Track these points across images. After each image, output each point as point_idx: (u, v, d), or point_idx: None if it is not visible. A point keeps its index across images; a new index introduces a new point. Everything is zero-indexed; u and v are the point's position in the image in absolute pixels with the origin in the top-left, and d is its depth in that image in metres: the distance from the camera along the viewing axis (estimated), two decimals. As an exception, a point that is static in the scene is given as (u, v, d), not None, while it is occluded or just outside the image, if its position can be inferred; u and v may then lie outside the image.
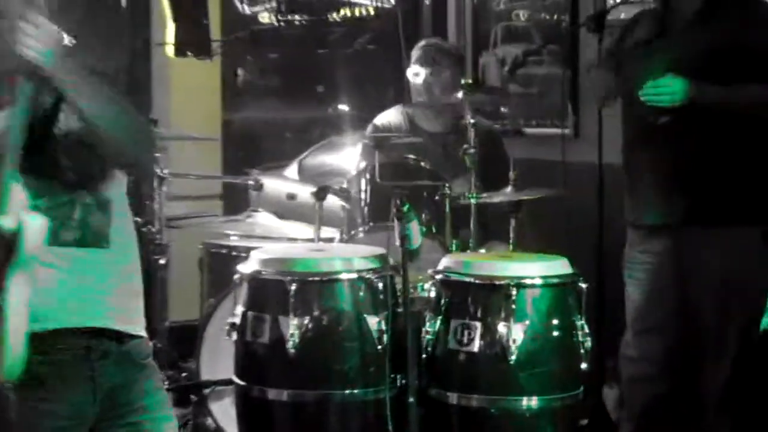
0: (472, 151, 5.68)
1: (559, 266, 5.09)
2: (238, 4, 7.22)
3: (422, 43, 6.70)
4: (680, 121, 5.13)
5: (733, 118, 5.08)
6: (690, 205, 5.20)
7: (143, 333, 3.42)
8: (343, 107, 8.40)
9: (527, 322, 4.92)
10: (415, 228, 4.19)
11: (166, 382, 5.53)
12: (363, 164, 5.97)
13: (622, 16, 6.01)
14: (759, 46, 5.03)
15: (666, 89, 5.07)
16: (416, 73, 6.43)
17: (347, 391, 4.97)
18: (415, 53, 6.55)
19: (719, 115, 5.08)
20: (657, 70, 5.09)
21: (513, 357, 4.85)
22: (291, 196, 7.02)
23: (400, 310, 4.97)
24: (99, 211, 3.28)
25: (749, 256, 5.19)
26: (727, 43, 5.04)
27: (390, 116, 6.71)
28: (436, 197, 5.69)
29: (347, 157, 6.77)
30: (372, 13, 7.29)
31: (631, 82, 5.27)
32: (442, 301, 4.99)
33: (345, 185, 5.88)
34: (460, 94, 5.91)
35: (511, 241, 5.72)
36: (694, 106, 5.04)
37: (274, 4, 6.96)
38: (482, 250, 5.79)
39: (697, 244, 5.20)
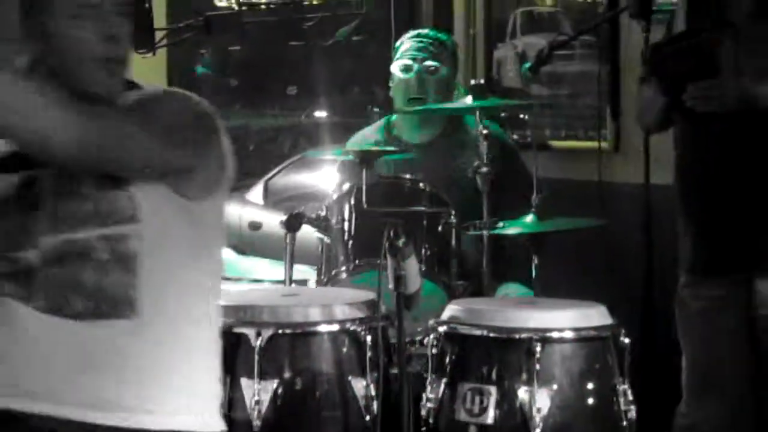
0: (484, 170, 5.66)
1: (594, 315, 5.07)
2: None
3: (414, 32, 6.68)
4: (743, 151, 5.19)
5: None
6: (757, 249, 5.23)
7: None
8: (321, 113, 8.36)
9: (555, 387, 4.91)
10: (412, 267, 4.15)
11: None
12: (346, 186, 5.89)
13: (675, 4, 5.94)
14: None
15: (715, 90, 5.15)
16: (406, 67, 6.40)
17: None
18: (406, 44, 6.54)
19: None
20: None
21: (537, 430, 4.83)
22: (255, 226, 7.03)
23: (393, 371, 4.91)
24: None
25: None
26: None
27: (367, 132, 6.71)
28: (439, 228, 5.68)
29: (325, 176, 6.72)
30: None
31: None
32: (447, 360, 4.98)
33: (323, 212, 5.83)
34: (468, 99, 5.87)
35: (533, 283, 5.68)
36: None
37: None
38: (498, 295, 5.74)
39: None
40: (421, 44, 6.49)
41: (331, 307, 4.94)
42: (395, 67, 6.56)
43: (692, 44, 5.51)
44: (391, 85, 6.57)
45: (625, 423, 4.96)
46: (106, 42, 3.33)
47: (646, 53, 5.89)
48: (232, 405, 4.89)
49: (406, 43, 6.57)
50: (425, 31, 6.84)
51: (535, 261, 5.58)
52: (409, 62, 6.44)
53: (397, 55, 6.54)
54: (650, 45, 6.12)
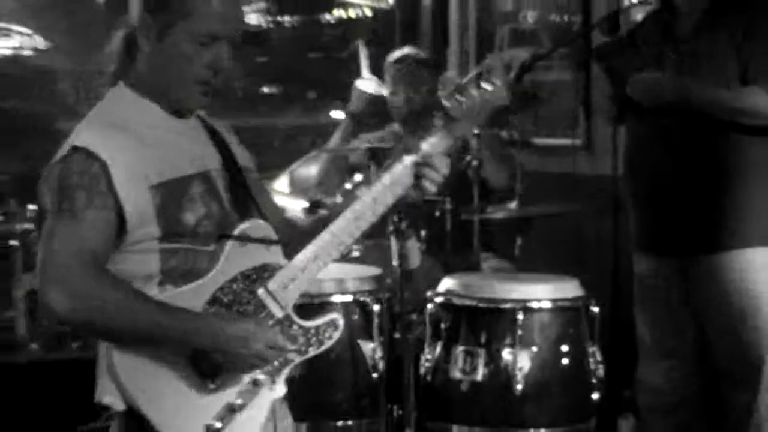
0: (474, 163, 5.69)
1: (569, 288, 5.13)
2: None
3: (397, 56, 6.64)
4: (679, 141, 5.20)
5: (738, 137, 5.12)
6: (702, 225, 5.22)
7: None
8: (337, 114, 8.42)
9: (535, 349, 4.96)
10: (413, 246, 4.15)
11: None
12: (358, 176, 5.91)
13: (639, 17, 5.99)
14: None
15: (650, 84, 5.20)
16: (394, 93, 6.42)
17: (339, 423, 5.04)
18: (391, 69, 6.53)
19: (722, 134, 5.13)
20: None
21: (519, 387, 4.88)
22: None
23: (397, 335, 4.96)
24: None
25: (760, 276, 5.18)
26: (734, 45, 5.09)
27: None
28: (436, 212, 5.72)
29: (340, 168, 6.75)
30: (368, 14, 7.26)
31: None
32: (443, 326, 5.02)
33: (339, 200, 5.83)
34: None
35: (517, 259, 5.68)
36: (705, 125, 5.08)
37: (262, 5, 6.95)
38: (485, 270, 5.76)
39: (715, 268, 5.20)
40: (406, 69, 6.49)
41: (344, 281, 5.00)
42: (379, 89, 6.63)
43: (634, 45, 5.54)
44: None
45: (594, 380, 5.02)
46: (210, 68, 3.25)
47: (606, 28, 5.91)
48: None
49: (391, 68, 6.57)
50: (409, 52, 6.76)
51: (519, 241, 5.60)
52: (396, 88, 6.47)
53: (386, 80, 6.58)
54: (597, 45, 6.18)
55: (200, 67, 3.25)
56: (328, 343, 3.45)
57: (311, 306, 4.82)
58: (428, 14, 7.70)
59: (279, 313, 3.30)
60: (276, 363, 3.32)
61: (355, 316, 5.04)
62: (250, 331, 3.23)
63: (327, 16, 7.25)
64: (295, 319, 3.37)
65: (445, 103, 3.50)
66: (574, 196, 6.16)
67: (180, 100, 3.30)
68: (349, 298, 5.01)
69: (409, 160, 3.41)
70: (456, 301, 5.05)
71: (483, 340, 4.98)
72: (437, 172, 3.44)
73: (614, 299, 5.37)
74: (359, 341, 4.99)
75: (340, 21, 7.65)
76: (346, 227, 3.38)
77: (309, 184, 6.96)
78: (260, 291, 3.28)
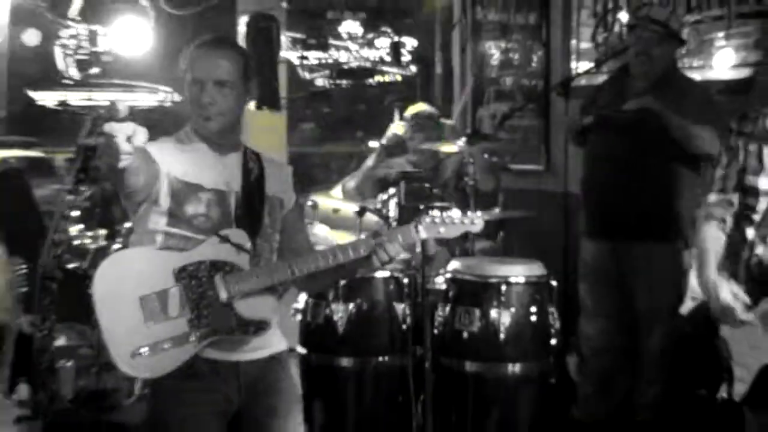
0: (471, 183, 5.69)
1: (535, 268, 5.11)
2: (300, 72, 7.23)
3: (412, 112, 6.56)
4: (625, 154, 5.14)
5: (663, 157, 5.07)
6: (629, 218, 5.19)
7: None
8: (373, 144, 8.46)
9: (512, 310, 4.96)
10: (431, 239, 4.26)
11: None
12: (392, 190, 5.95)
13: (583, 82, 5.99)
14: (688, 110, 5.01)
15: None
16: (412, 138, 6.35)
17: (380, 359, 5.03)
18: (410, 121, 6.45)
19: (653, 154, 5.07)
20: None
21: (502, 335, 4.90)
22: (335, 210, 7.03)
23: (419, 300, 4.98)
24: None
25: (668, 264, 5.15)
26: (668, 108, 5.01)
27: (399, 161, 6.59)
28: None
29: (377, 182, 6.74)
30: (398, 79, 7.30)
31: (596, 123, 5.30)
32: (451, 294, 5.03)
33: (379, 206, 5.89)
34: (461, 141, 5.95)
35: (500, 247, 5.70)
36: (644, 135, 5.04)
37: (327, 72, 6.98)
38: (478, 255, 5.79)
39: (634, 255, 5.21)
40: (421, 122, 6.47)
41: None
42: (403, 133, 6.59)
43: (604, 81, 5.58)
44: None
45: (552, 331, 5.03)
46: (206, 103, 3.14)
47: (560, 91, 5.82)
48: (325, 319, 5.02)
49: (411, 120, 6.52)
50: (425, 110, 6.72)
51: (501, 234, 5.65)
52: (414, 134, 6.45)
53: (407, 126, 6.51)
54: (559, 81, 6.11)
55: (197, 105, 3.16)
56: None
57: (359, 280, 4.94)
58: (439, 79, 7.66)
59: (224, 296, 3.17)
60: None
61: (392, 286, 5.05)
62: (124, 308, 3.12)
63: (370, 80, 7.26)
64: (234, 307, 3.18)
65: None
66: (538, 204, 6.13)
67: (196, 129, 3.24)
68: (387, 274, 5.00)
69: (370, 239, 3.31)
70: (459, 276, 5.05)
71: (477, 303, 4.97)
72: (386, 254, 3.26)
73: (565, 276, 5.38)
74: (394, 303, 5.04)
75: (380, 83, 7.66)
76: (303, 265, 3.24)
77: (353, 192, 6.98)
78: (217, 276, 3.16)
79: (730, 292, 3.34)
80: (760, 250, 3.25)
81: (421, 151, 6.24)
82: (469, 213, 3.44)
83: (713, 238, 3.44)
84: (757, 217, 3.28)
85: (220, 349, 3.20)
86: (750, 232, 3.27)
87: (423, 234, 3.36)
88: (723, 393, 3.34)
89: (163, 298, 3.14)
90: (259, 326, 3.24)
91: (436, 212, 3.42)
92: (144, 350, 3.10)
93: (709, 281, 3.41)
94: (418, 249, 4.54)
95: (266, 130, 7.79)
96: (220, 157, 3.27)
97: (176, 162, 3.19)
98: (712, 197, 3.48)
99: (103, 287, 3.13)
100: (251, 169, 3.31)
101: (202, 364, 3.19)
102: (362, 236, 3.47)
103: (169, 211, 3.18)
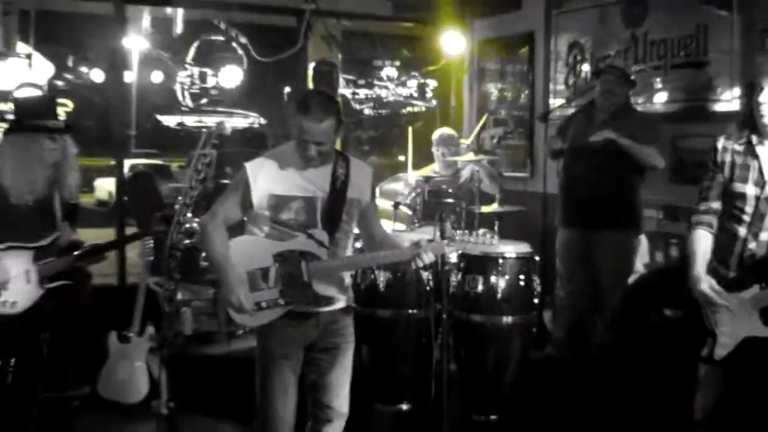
0: (478, 185, 5.62)
1: (524, 247, 5.05)
2: (352, 104, 7.25)
3: (442, 135, 6.30)
4: (590, 166, 5.10)
5: (619, 168, 5.02)
6: (595, 212, 5.15)
7: None
8: (403, 158, 8.44)
9: (507, 277, 4.90)
10: (448, 225, 4.26)
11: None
12: (418, 190, 5.92)
13: (557, 114, 5.89)
14: (638, 135, 4.97)
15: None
16: (442, 154, 6.17)
17: (410, 311, 4.96)
18: (440, 140, 6.23)
19: (612, 166, 5.02)
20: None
21: (499, 295, 4.86)
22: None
23: (439, 269, 4.70)
24: None
25: (621, 245, 5.13)
26: (622, 132, 4.97)
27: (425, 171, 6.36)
28: (458, 209, 5.57)
29: (407, 184, 6.69)
30: (423, 110, 7.29)
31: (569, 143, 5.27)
32: (462, 265, 4.96)
33: (409, 201, 5.87)
34: (471, 154, 5.90)
35: (498, 233, 5.68)
36: (606, 156, 4.98)
37: (371, 104, 6.98)
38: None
39: (599, 237, 5.16)
40: (445, 140, 6.16)
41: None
42: (435, 152, 6.22)
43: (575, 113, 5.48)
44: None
45: (535, 292, 4.96)
46: (309, 159, 3.15)
47: (541, 119, 5.79)
48: (372, 281, 4.92)
49: (440, 140, 6.19)
50: (446, 133, 6.32)
51: (497, 223, 5.61)
52: (443, 149, 6.14)
53: (436, 143, 6.22)
54: (541, 112, 6.06)
55: (304, 155, 3.14)
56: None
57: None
58: (453, 110, 7.58)
59: (305, 278, 3.18)
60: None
61: (434, 256, 4.97)
62: (233, 287, 3.15)
63: (403, 111, 7.27)
64: (312, 286, 3.19)
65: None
66: (525, 201, 6.01)
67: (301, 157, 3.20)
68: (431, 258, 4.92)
69: (412, 247, 3.28)
70: (468, 252, 4.92)
71: (481, 272, 4.90)
72: (423, 261, 3.26)
73: (544, 253, 5.36)
74: (421, 272, 4.93)
75: (410, 113, 7.66)
76: (363, 261, 3.39)
77: (391, 192, 6.93)
78: (302, 262, 3.17)
79: (708, 285, 3.27)
80: (752, 245, 3.17)
81: (444, 162, 6.12)
82: (487, 235, 3.38)
83: (700, 240, 3.34)
84: (747, 218, 3.17)
85: (311, 304, 3.27)
86: (742, 231, 3.16)
87: (449, 249, 3.35)
88: (705, 352, 3.25)
89: (265, 273, 3.19)
90: (329, 302, 3.28)
91: (462, 233, 3.34)
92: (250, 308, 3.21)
93: (693, 276, 3.32)
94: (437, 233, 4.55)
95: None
96: (314, 170, 3.23)
97: (274, 182, 3.20)
98: (701, 206, 3.38)
99: None
100: (338, 176, 3.24)
101: (294, 314, 3.24)
102: (406, 243, 3.42)
103: (270, 216, 3.21)
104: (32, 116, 4.02)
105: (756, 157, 3.14)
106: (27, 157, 3.93)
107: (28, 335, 4.13)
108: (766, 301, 3.05)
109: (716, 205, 3.33)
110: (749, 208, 3.13)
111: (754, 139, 3.18)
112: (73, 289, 4.26)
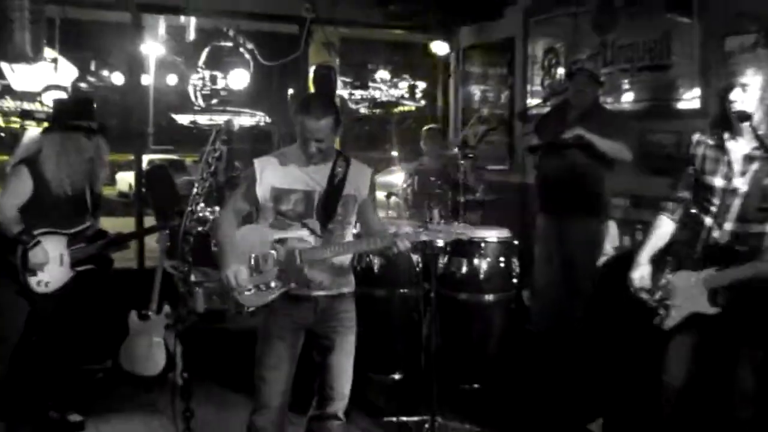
0: (462, 176, 5.58)
1: (504, 232, 5.07)
2: (349, 104, 7.22)
3: (430, 130, 6.39)
4: (563, 159, 5.09)
5: (589, 161, 5.01)
6: (568, 201, 5.14)
7: None
8: (395, 153, 8.35)
9: (489, 259, 4.95)
10: (436, 213, 4.24)
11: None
12: (408, 181, 5.92)
13: (534, 112, 5.90)
14: (607, 131, 4.97)
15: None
16: (430, 149, 6.17)
17: (402, 290, 4.98)
18: (424, 134, 6.25)
19: (582, 160, 5.02)
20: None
21: (482, 276, 4.90)
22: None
23: (427, 252, 4.79)
24: None
25: (592, 230, 5.13)
26: (592, 129, 4.97)
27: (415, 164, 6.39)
28: (444, 199, 5.55)
29: (399, 176, 6.72)
30: (413, 109, 7.28)
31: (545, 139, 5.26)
32: (448, 248, 4.95)
33: (401, 191, 5.88)
34: (455, 150, 5.90)
35: (480, 218, 5.68)
36: (577, 146, 4.98)
37: (367, 104, 6.97)
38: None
39: (571, 223, 5.16)
40: (433, 135, 6.26)
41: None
42: (423, 144, 6.31)
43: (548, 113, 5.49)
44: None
45: (514, 273, 5.01)
46: (309, 155, 3.15)
47: (520, 117, 5.80)
48: (368, 265, 4.95)
49: (427, 134, 6.30)
50: (434, 128, 6.52)
51: (481, 210, 5.62)
52: (430, 144, 6.23)
53: (424, 139, 6.27)
54: (519, 111, 6.05)
55: (305, 150, 3.16)
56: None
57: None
58: (440, 109, 7.56)
59: (298, 262, 3.16)
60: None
61: (409, 244, 5.01)
62: (226, 265, 3.15)
63: (395, 110, 7.25)
64: (304, 270, 3.17)
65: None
66: (505, 191, 6.09)
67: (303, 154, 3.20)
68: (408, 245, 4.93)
69: (393, 237, 3.20)
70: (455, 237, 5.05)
71: (465, 254, 4.94)
72: (398, 248, 3.17)
73: (522, 237, 5.33)
74: (411, 254, 4.90)
75: (401, 112, 7.65)
76: (348, 248, 3.23)
77: (386, 184, 6.94)
78: (296, 249, 3.15)
79: (639, 275, 3.29)
80: (716, 234, 3.12)
81: (433, 156, 6.12)
82: (454, 224, 3.33)
83: (658, 227, 3.32)
84: (713, 209, 3.12)
85: (305, 289, 3.23)
86: (708, 220, 3.10)
87: (424, 237, 3.27)
88: (656, 321, 3.25)
89: (265, 257, 3.18)
90: (322, 286, 3.25)
91: (436, 225, 3.29)
92: (251, 290, 3.19)
93: (635, 261, 3.33)
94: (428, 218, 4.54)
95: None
96: (315, 167, 3.23)
97: (276, 176, 3.22)
98: (670, 194, 3.35)
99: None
100: (337, 173, 3.23)
101: (292, 297, 3.23)
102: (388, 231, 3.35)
103: (272, 206, 3.22)
104: (70, 117, 4.05)
105: (726, 152, 3.11)
106: (65, 152, 3.95)
107: (58, 313, 4.13)
108: (715, 282, 3.04)
109: (683, 194, 3.30)
110: (716, 200, 3.09)
111: (726, 135, 3.16)
112: (97, 272, 4.27)
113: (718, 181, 3.10)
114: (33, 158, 3.96)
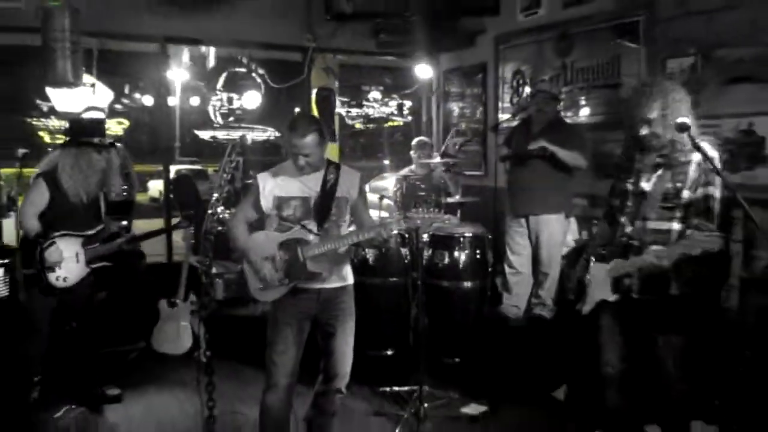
0: (444, 182, 5.62)
1: (480, 229, 5.08)
2: (346, 119, 7.19)
3: (419, 141, 6.29)
4: (530, 167, 5.07)
5: (551, 169, 5.00)
6: (534, 202, 5.12)
7: None
8: (386, 161, 8.35)
9: (467, 251, 4.95)
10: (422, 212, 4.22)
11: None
12: (397, 186, 5.88)
13: (504, 125, 5.85)
14: (566, 141, 4.95)
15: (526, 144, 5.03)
16: (419, 156, 6.11)
17: (392, 279, 5.00)
18: (417, 146, 6.20)
19: (545, 167, 5.00)
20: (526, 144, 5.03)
21: (461, 266, 4.91)
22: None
23: (414, 246, 4.89)
24: None
25: (556, 226, 5.10)
26: (553, 140, 4.96)
27: (404, 171, 6.29)
28: (428, 200, 5.39)
29: (390, 181, 6.69)
30: (401, 124, 7.25)
31: (514, 150, 5.24)
32: (431, 243, 4.97)
33: (391, 194, 5.86)
34: (437, 159, 5.89)
35: (459, 217, 5.66)
36: (541, 156, 4.95)
37: (362, 120, 6.92)
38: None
39: (538, 221, 5.14)
40: (422, 146, 6.13)
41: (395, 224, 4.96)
42: (413, 155, 6.14)
43: (516, 126, 5.44)
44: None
45: (489, 262, 5.02)
46: (300, 168, 3.16)
47: (492, 130, 5.74)
48: (363, 257, 4.98)
49: (417, 145, 6.16)
50: (424, 140, 6.36)
51: (459, 211, 5.59)
52: (419, 153, 6.09)
53: (415, 148, 6.15)
54: (492, 124, 5.99)
55: (296, 163, 3.16)
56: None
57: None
58: (424, 124, 7.51)
59: (300, 259, 3.14)
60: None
61: (399, 239, 4.96)
62: (260, 267, 3.13)
63: (385, 125, 7.20)
64: (306, 264, 3.14)
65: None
66: (480, 194, 6.06)
67: (295, 167, 3.18)
68: (396, 232, 4.86)
69: (377, 227, 3.17)
70: (437, 233, 4.98)
71: (447, 248, 4.94)
72: (384, 236, 3.13)
73: (494, 233, 5.40)
74: (400, 248, 4.97)
75: (391, 126, 7.59)
76: (343, 241, 3.17)
77: (378, 188, 6.92)
78: (299, 247, 3.14)
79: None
80: (628, 229, 3.08)
81: (420, 164, 6.08)
82: (435, 213, 3.22)
83: (600, 232, 3.26)
84: (627, 210, 3.08)
85: (310, 282, 3.20)
86: (623, 219, 3.06)
87: (404, 224, 3.20)
88: (577, 307, 3.21)
89: (272, 258, 3.16)
90: (324, 279, 3.21)
91: (417, 213, 3.18)
92: (261, 287, 3.19)
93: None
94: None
95: (328, 152, 7.67)
96: (308, 176, 3.22)
97: (277, 186, 3.21)
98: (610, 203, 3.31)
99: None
100: (329, 180, 3.21)
101: (299, 289, 3.20)
102: (381, 218, 3.35)
103: (276, 213, 3.20)
104: (82, 134, 4.02)
105: (633, 160, 3.09)
106: (79, 165, 3.93)
107: (81, 303, 4.11)
108: (615, 272, 2.98)
109: (613, 201, 3.25)
110: (629, 202, 3.05)
111: (637, 148, 3.11)
112: (114, 268, 4.21)
113: (630, 186, 3.08)
114: (51, 172, 3.95)
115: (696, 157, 2.85)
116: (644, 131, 2.91)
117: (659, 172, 2.95)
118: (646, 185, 2.98)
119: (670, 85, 2.96)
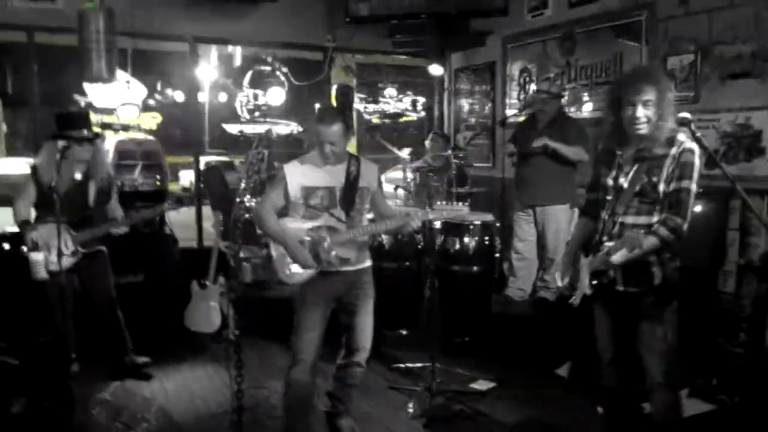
0: (455, 173, 5.58)
1: (489, 217, 5.04)
2: (364, 115, 7.15)
3: (431, 135, 6.21)
4: (535, 161, 5.03)
5: (554, 163, 4.97)
6: (540, 194, 5.09)
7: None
8: (401, 154, 8.33)
9: (476, 238, 4.91)
10: (436, 200, 4.19)
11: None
12: (412, 176, 5.86)
13: (511, 120, 5.82)
14: (568, 136, 4.92)
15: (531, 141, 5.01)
16: (432, 147, 6.07)
17: (407, 263, 5.00)
18: (429, 138, 6.13)
19: (549, 162, 4.97)
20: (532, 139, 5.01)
21: (470, 251, 4.87)
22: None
23: (428, 232, 4.87)
24: None
25: (561, 216, 5.06)
26: (556, 136, 4.94)
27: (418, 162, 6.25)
28: (440, 190, 5.44)
29: (404, 173, 6.60)
30: (415, 119, 7.21)
31: (520, 144, 5.20)
32: (444, 229, 4.93)
33: (406, 184, 5.83)
34: (449, 150, 5.84)
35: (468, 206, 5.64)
36: (544, 152, 4.93)
37: (378, 115, 6.89)
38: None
39: (544, 211, 5.11)
40: (436, 138, 6.07)
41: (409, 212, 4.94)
42: (428, 146, 6.04)
43: (520, 124, 5.40)
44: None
45: (497, 248, 4.98)
46: (326, 156, 3.14)
47: (500, 124, 5.64)
48: (380, 242, 4.96)
49: (432, 137, 6.08)
50: (438, 132, 6.38)
51: (469, 200, 5.54)
52: (432, 144, 5.99)
53: (430, 140, 6.07)
54: (500, 119, 5.95)
55: (322, 152, 3.14)
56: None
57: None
58: (436, 119, 7.45)
59: (327, 244, 3.13)
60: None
61: (420, 222, 4.90)
62: (297, 251, 3.10)
63: (401, 120, 7.15)
64: (335, 251, 3.13)
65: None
66: (488, 184, 6.03)
67: (321, 157, 3.17)
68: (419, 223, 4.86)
69: (405, 217, 3.16)
70: (449, 221, 4.90)
71: (458, 234, 4.90)
72: (412, 226, 3.14)
73: (502, 221, 5.37)
74: (414, 234, 4.94)
75: (406, 121, 7.55)
76: (369, 230, 3.19)
77: (393, 178, 6.87)
78: (326, 233, 3.14)
79: (558, 271, 3.09)
80: (609, 225, 2.90)
81: (435, 156, 6.01)
82: (456, 206, 3.17)
83: (579, 225, 3.12)
84: (607, 204, 2.93)
85: (338, 266, 3.20)
86: (603, 214, 2.89)
87: (431, 216, 3.19)
88: (570, 301, 3.04)
89: (305, 243, 3.15)
90: (349, 263, 3.21)
91: (441, 204, 3.17)
92: (291, 269, 3.18)
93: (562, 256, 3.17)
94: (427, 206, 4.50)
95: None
96: (332, 167, 3.21)
97: (304, 176, 3.19)
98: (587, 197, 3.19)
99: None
100: (351, 171, 3.21)
101: (327, 272, 3.20)
102: (402, 212, 3.27)
103: (303, 202, 3.18)
104: (64, 128, 3.91)
105: (616, 156, 2.94)
106: (57, 158, 3.76)
107: (82, 283, 4.05)
108: (594, 265, 2.83)
109: (592, 196, 3.10)
110: (609, 197, 2.89)
111: (618, 143, 2.97)
112: (150, 253, 4.16)
113: (609, 181, 2.92)
114: (35, 165, 3.91)
115: (672, 150, 2.68)
116: (629, 112, 2.73)
117: (636, 166, 2.80)
118: (623, 180, 2.82)
119: (664, 76, 2.80)
